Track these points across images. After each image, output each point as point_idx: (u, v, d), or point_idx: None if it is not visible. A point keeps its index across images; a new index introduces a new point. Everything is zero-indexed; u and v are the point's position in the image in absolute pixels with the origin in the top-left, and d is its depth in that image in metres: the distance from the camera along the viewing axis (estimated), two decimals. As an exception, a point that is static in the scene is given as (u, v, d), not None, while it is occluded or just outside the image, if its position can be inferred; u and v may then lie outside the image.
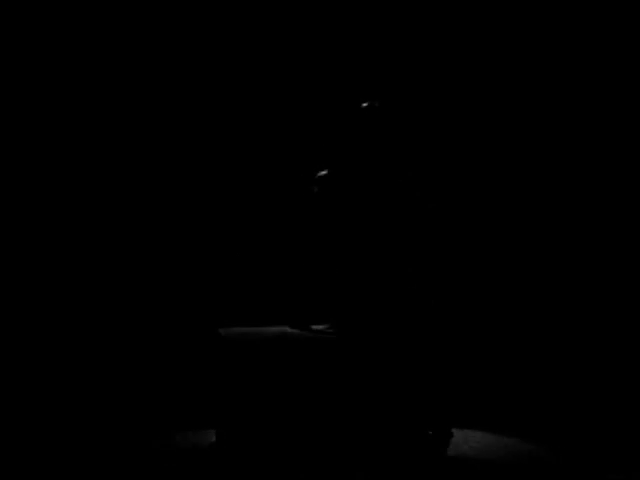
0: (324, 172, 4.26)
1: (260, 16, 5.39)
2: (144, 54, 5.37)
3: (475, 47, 5.40)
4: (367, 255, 4.09)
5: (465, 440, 3.91)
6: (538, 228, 5.44)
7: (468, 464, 3.64)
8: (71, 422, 4.29)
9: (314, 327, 4.06)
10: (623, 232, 5.36)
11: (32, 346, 5.11)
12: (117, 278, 5.33)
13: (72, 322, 5.21)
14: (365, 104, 4.12)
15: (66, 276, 5.30)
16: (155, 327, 5.13)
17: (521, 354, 5.23)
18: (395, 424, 3.65)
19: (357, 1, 5.38)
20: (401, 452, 3.60)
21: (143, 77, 5.38)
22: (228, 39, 5.39)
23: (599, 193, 5.40)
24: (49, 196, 5.34)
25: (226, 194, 5.44)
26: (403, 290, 3.92)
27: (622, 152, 5.38)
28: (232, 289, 5.26)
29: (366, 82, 5.43)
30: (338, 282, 3.96)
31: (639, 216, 5.35)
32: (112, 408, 4.55)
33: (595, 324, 5.30)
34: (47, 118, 5.33)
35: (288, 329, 4.08)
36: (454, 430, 3.85)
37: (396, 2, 5.39)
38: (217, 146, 5.44)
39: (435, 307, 3.92)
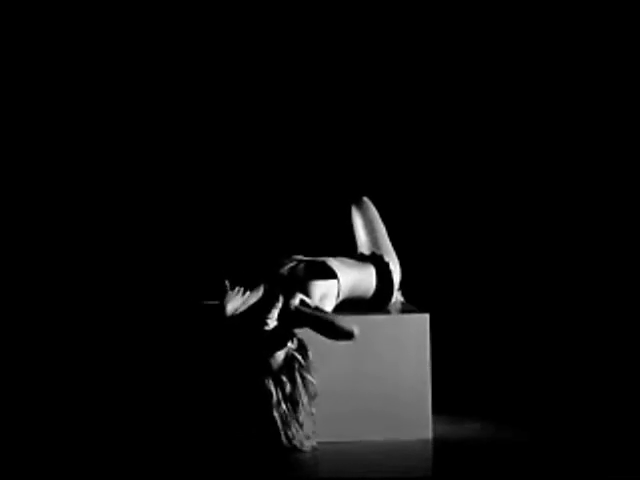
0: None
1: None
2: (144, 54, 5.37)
3: (475, 46, 5.40)
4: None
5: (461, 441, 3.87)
6: (538, 227, 5.43)
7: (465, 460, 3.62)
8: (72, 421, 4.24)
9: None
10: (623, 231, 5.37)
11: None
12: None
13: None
14: None
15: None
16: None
17: (520, 350, 5.21)
18: None
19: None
20: None
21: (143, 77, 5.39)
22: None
23: (599, 193, 5.39)
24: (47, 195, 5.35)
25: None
26: None
27: (622, 152, 5.37)
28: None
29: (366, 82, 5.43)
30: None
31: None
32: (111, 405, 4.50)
33: (596, 321, 5.27)
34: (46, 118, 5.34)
35: None
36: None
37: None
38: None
39: None
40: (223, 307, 3.65)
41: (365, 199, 4.30)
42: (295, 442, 3.60)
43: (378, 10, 5.40)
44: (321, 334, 3.63)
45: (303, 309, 3.62)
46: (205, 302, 3.77)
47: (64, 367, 4.99)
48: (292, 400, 3.60)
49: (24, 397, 4.59)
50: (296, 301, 3.63)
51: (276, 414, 3.58)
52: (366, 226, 4.24)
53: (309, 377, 3.62)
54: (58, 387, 4.74)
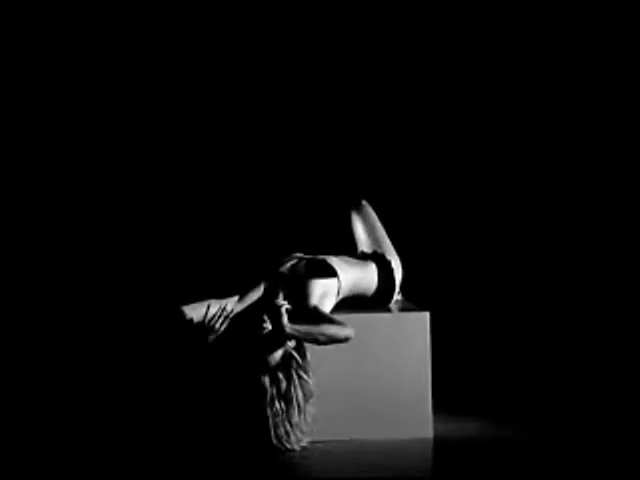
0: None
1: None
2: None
3: (474, 47, 5.40)
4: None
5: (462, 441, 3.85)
6: (538, 225, 5.43)
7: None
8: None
9: None
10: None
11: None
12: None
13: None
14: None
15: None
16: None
17: (520, 348, 5.21)
18: None
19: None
20: None
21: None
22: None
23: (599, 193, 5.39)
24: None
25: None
26: None
27: (622, 152, 5.37)
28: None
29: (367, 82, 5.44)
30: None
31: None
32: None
33: (596, 319, 5.26)
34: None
35: None
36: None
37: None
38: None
39: None
40: (205, 337, 3.62)
41: (364, 202, 4.30)
42: (284, 442, 3.59)
43: (378, 12, 5.40)
44: (317, 344, 3.63)
45: (296, 328, 3.60)
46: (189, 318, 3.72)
47: (59, 368, 4.99)
48: (286, 399, 3.59)
49: (20, 399, 4.58)
50: (285, 319, 3.60)
51: (269, 411, 3.57)
52: (366, 228, 4.25)
53: (305, 377, 3.61)
54: (54, 388, 4.73)
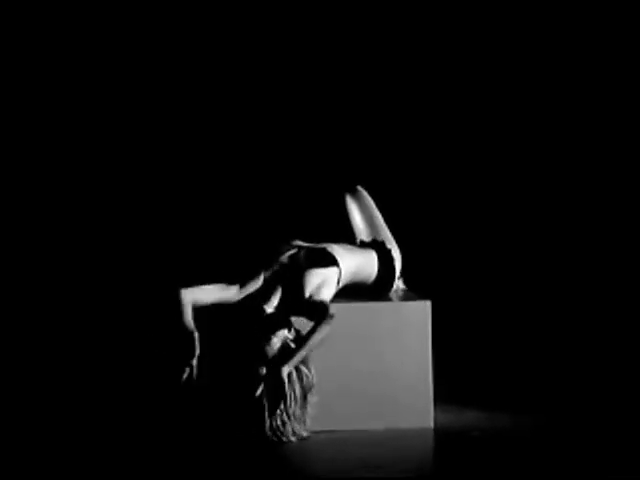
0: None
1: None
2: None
3: (471, 40, 5.39)
4: None
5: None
6: (540, 214, 5.42)
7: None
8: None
9: None
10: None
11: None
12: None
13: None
14: None
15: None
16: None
17: (523, 338, 5.20)
18: None
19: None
20: None
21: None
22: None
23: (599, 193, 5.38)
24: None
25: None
26: None
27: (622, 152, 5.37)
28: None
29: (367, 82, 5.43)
30: None
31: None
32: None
33: (599, 309, 5.25)
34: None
35: None
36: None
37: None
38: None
39: None
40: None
41: (359, 188, 4.27)
42: (279, 433, 3.57)
43: (373, 4, 5.40)
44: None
45: (291, 365, 3.57)
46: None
47: (57, 366, 4.99)
48: (283, 389, 3.57)
49: (19, 398, 4.56)
50: (284, 369, 3.57)
51: (265, 403, 3.55)
52: (363, 214, 4.22)
53: (304, 369, 3.59)
54: (53, 387, 4.72)
